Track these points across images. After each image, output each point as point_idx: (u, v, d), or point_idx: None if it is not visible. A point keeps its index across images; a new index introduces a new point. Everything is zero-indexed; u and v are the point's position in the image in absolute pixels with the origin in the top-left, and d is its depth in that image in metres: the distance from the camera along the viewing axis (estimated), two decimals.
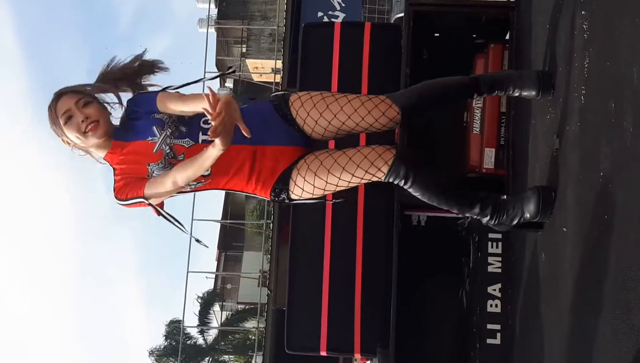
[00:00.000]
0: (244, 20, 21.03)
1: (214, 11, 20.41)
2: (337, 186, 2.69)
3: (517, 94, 2.82)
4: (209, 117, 2.33)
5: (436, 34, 4.16)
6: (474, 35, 4.08)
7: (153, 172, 2.68)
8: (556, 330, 2.65)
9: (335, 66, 4.17)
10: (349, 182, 2.68)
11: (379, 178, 2.66)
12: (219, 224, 23.26)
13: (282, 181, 2.71)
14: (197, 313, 21.27)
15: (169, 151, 2.67)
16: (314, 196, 2.74)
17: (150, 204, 2.69)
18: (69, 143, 2.75)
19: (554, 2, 2.88)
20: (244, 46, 21.83)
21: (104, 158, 2.79)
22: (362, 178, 2.66)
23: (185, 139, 2.69)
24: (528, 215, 2.71)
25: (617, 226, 2.05)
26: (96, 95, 2.76)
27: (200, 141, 2.68)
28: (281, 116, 2.73)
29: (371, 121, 2.68)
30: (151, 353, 21.68)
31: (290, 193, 2.72)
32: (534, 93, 2.79)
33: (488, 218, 2.74)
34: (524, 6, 3.55)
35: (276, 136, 2.72)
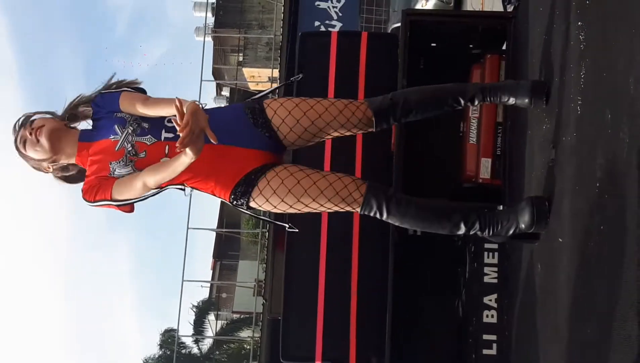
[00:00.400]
0: (241, 28, 21.05)
1: (210, 20, 20.46)
2: (300, 211, 2.66)
3: (511, 102, 2.82)
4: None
5: (433, 44, 4.17)
6: (471, 46, 4.09)
7: (115, 170, 2.68)
8: (552, 341, 2.64)
9: (331, 75, 4.17)
10: (315, 210, 2.67)
11: (353, 210, 2.66)
12: (214, 233, 23.21)
13: (245, 184, 2.66)
14: (192, 322, 21.20)
15: (130, 148, 2.67)
16: (274, 211, 2.69)
17: (117, 207, 2.70)
18: (47, 169, 2.81)
19: (551, 13, 2.89)
20: (241, 54, 21.84)
21: (75, 162, 2.81)
22: (330, 209, 2.66)
23: (147, 136, 2.68)
24: (523, 226, 2.68)
25: (613, 236, 2.05)
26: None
27: (162, 138, 2.68)
28: (252, 120, 2.71)
29: (343, 120, 2.68)
30: (145, 362, 21.59)
31: (252, 199, 2.66)
32: (526, 101, 2.78)
33: (479, 231, 2.71)
34: (521, 17, 3.56)
35: (244, 138, 2.70)
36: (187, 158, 2.42)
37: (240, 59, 21.90)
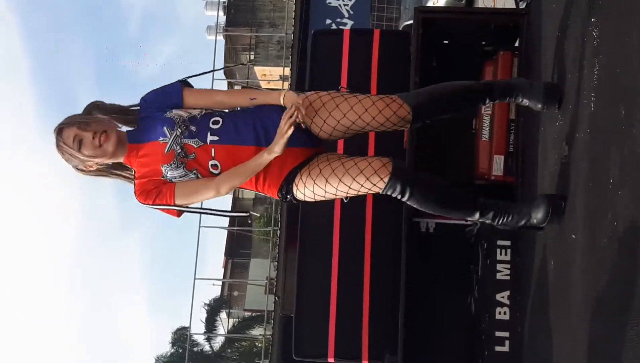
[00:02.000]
0: (252, 27, 21.06)
1: (222, 18, 20.47)
2: (335, 195, 2.74)
3: (525, 103, 2.84)
4: (218, 118, 2.68)
5: (445, 41, 4.17)
6: (483, 43, 4.09)
7: (167, 173, 2.75)
8: (565, 337, 2.64)
9: (344, 73, 4.18)
10: (347, 193, 2.74)
11: (377, 191, 2.70)
12: (226, 232, 23.26)
13: (287, 182, 2.75)
14: (204, 321, 21.25)
15: (180, 150, 2.73)
16: (317, 200, 2.79)
17: (180, 211, 2.82)
18: (91, 167, 2.82)
19: (564, 10, 2.89)
20: (252, 53, 21.86)
21: (124, 162, 2.85)
22: (358, 191, 2.71)
23: (195, 139, 2.73)
24: (535, 221, 2.72)
25: (626, 233, 2.05)
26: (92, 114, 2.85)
27: (208, 141, 2.73)
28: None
29: (382, 120, 2.71)
30: (157, 360, 21.66)
31: (295, 195, 2.78)
32: (539, 106, 2.80)
33: (490, 221, 2.77)
34: (534, 13, 3.56)
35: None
36: (271, 155, 2.62)
37: (252, 57, 21.92)
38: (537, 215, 2.70)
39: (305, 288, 4.08)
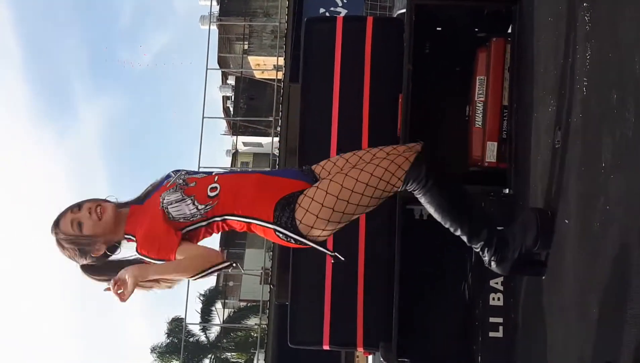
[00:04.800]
0: (246, 17, 21.00)
1: (215, 8, 20.40)
2: (348, 202, 2.52)
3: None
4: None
5: (438, 28, 4.16)
6: (476, 29, 4.08)
7: (164, 199, 2.65)
8: (558, 322, 2.66)
9: (337, 61, 4.17)
10: (362, 195, 2.53)
11: (398, 185, 2.56)
12: None
13: (286, 199, 2.57)
14: (199, 311, 21.27)
15: (181, 181, 2.69)
16: (321, 219, 2.53)
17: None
18: (100, 251, 2.70)
19: None
20: (246, 42, 21.79)
21: (126, 231, 2.70)
22: (376, 188, 2.53)
23: (200, 174, 2.77)
24: (529, 242, 2.73)
25: (618, 216, 2.06)
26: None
27: (213, 173, 2.77)
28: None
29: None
30: (153, 350, 21.68)
31: (295, 214, 2.54)
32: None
33: (488, 256, 2.76)
34: None
35: (287, 172, 2.80)
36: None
37: (246, 47, 21.86)
38: (530, 234, 2.72)
39: (300, 276, 4.08)
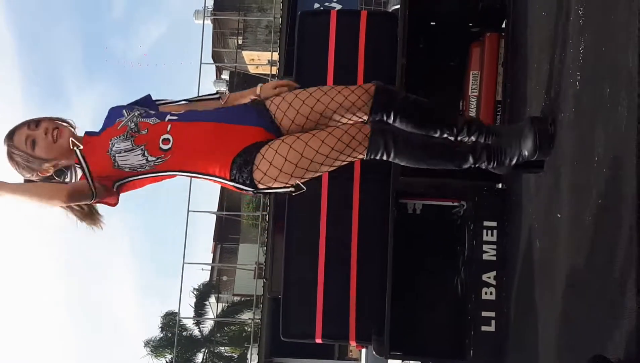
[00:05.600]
0: (241, 11, 20.97)
1: (210, 2, 20.38)
2: (306, 170, 2.50)
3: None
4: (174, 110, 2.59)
5: (432, 23, 4.16)
6: (470, 24, 4.09)
7: (113, 145, 2.58)
8: (551, 316, 2.66)
9: (331, 55, 4.17)
10: (321, 165, 2.51)
11: (359, 157, 2.54)
12: (214, 216, 23.25)
13: (245, 159, 2.52)
14: (193, 305, 21.28)
15: (133, 126, 2.59)
16: (279, 182, 2.52)
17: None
18: (47, 171, 2.68)
19: None
20: (241, 37, 21.77)
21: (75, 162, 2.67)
22: (338, 158, 2.51)
23: (152, 118, 2.62)
24: (526, 153, 2.58)
25: (611, 210, 2.06)
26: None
27: (166, 119, 2.61)
28: (256, 110, 2.66)
29: (341, 99, 2.58)
30: (147, 344, 21.67)
31: (253, 174, 2.51)
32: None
33: (486, 163, 2.63)
34: None
35: (244, 117, 2.62)
36: None
37: (240, 42, 21.83)
38: (527, 145, 2.56)
39: (292, 269, 4.09)
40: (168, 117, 2.63)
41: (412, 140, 2.59)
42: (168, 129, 2.58)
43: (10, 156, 2.66)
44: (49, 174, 2.69)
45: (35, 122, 2.65)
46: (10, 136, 2.65)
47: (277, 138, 2.56)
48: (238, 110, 2.67)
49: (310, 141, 2.49)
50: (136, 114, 2.63)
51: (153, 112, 2.67)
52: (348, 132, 2.51)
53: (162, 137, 2.56)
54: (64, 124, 2.70)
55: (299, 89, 2.68)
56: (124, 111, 2.67)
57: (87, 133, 2.72)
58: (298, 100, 2.62)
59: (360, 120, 2.60)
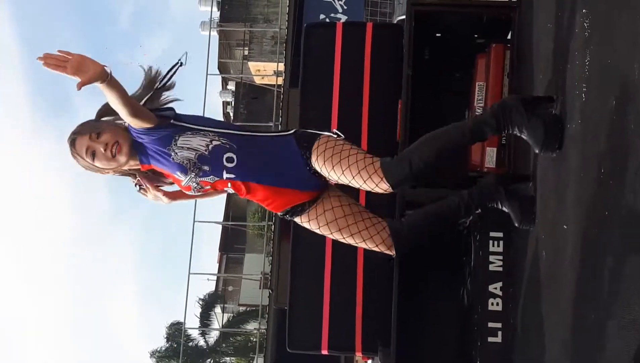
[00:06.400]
0: (246, 23, 21.02)
1: (216, 14, 20.43)
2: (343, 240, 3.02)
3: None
4: (231, 155, 2.78)
5: (438, 34, 4.17)
6: (476, 35, 4.10)
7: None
8: (557, 328, 2.66)
9: (336, 66, 4.19)
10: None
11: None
12: (220, 226, 23.25)
13: (293, 212, 2.96)
14: (199, 315, 21.26)
15: (196, 185, 2.85)
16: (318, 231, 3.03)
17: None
18: (108, 173, 2.88)
19: (555, 1, 2.90)
20: (246, 48, 21.81)
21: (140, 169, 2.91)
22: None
23: (210, 177, 2.82)
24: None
25: (617, 223, 2.06)
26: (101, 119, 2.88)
27: (224, 177, 2.82)
28: (303, 157, 2.85)
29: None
30: (152, 354, 21.67)
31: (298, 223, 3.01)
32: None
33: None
34: (525, 6, 3.57)
35: (294, 179, 2.87)
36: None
37: (246, 53, 21.88)
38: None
39: (298, 280, 4.09)
40: (225, 175, 2.82)
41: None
42: (229, 185, 2.87)
43: (74, 157, 2.83)
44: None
45: (97, 132, 2.78)
46: (73, 143, 2.80)
47: (317, 204, 2.98)
48: (286, 164, 2.89)
49: (342, 229, 3.00)
50: (192, 176, 2.81)
51: (207, 169, 2.81)
52: (374, 238, 3.05)
53: (225, 189, 2.92)
54: (123, 136, 2.78)
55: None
56: (178, 173, 2.81)
57: (142, 163, 2.88)
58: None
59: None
